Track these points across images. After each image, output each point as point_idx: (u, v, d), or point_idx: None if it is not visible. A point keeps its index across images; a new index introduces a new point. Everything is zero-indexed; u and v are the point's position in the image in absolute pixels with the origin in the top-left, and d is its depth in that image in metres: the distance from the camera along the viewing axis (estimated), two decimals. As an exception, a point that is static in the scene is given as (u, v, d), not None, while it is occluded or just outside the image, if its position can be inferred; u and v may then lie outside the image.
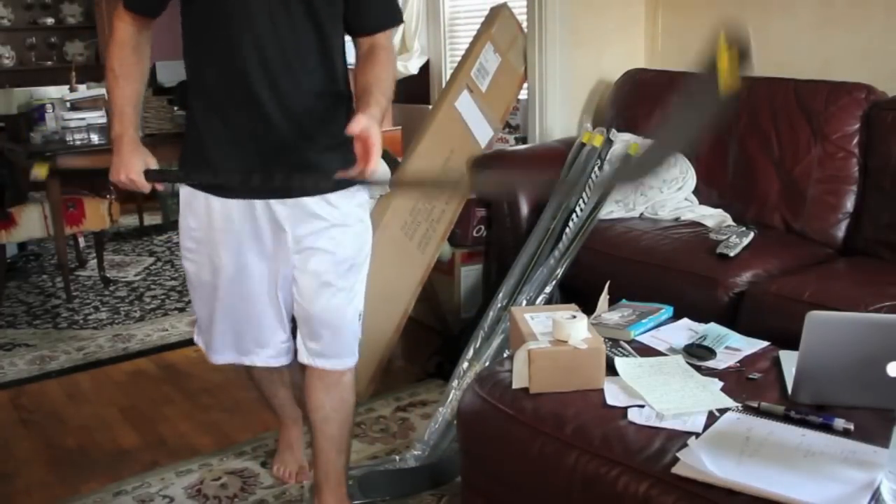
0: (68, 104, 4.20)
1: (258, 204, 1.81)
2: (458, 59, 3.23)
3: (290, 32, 1.71)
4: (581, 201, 2.71)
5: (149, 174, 1.79)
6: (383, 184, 2.11)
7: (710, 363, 1.77)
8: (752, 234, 2.47)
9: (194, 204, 1.86)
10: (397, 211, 2.81)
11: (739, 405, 1.58)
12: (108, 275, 4.39)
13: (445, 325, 3.19)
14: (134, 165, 1.76)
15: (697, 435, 1.48)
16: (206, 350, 2.04)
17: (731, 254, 2.36)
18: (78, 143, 4.00)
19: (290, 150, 1.77)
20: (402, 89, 2.72)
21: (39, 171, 2.00)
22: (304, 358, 1.93)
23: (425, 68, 4.82)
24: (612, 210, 2.80)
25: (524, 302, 2.54)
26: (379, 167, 1.65)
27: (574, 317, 1.71)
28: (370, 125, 1.61)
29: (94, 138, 4.06)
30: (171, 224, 5.35)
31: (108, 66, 1.79)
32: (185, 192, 1.87)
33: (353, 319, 1.92)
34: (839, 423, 1.47)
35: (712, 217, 2.73)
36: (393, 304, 2.79)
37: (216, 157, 1.79)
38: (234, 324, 1.96)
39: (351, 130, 1.60)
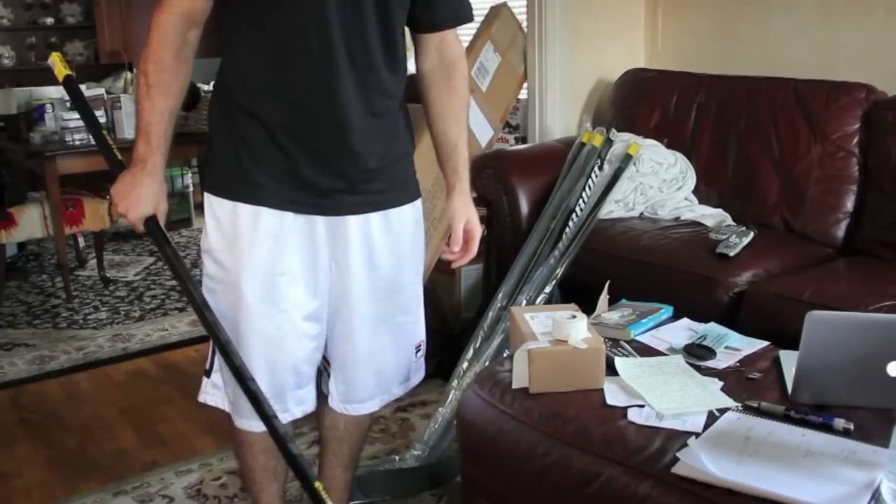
0: (68, 104, 4.19)
1: (320, 220, 1.58)
2: (458, 58, 3.23)
3: (355, 20, 1.45)
4: (581, 201, 2.71)
5: (149, 224, 1.52)
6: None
7: (710, 363, 1.77)
8: (752, 234, 2.46)
9: (224, 217, 1.56)
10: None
11: (739, 405, 1.58)
12: (107, 275, 4.39)
13: (445, 325, 3.19)
14: (141, 206, 1.50)
15: (697, 435, 1.48)
16: (235, 414, 1.68)
17: (731, 254, 2.36)
18: (77, 143, 3.99)
19: (362, 155, 1.56)
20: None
21: (56, 62, 1.59)
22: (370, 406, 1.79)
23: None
24: (612, 210, 2.79)
25: (524, 302, 2.54)
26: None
27: (574, 317, 1.71)
28: (473, 216, 1.66)
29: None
30: (172, 223, 5.34)
31: (142, 70, 1.49)
32: (214, 201, 1.57)
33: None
34: (839, 422, 1.47)
35: (712, 217, 2.73)
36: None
37: (276, 165, 1.52)
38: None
39: (458, 228, 1.70)
